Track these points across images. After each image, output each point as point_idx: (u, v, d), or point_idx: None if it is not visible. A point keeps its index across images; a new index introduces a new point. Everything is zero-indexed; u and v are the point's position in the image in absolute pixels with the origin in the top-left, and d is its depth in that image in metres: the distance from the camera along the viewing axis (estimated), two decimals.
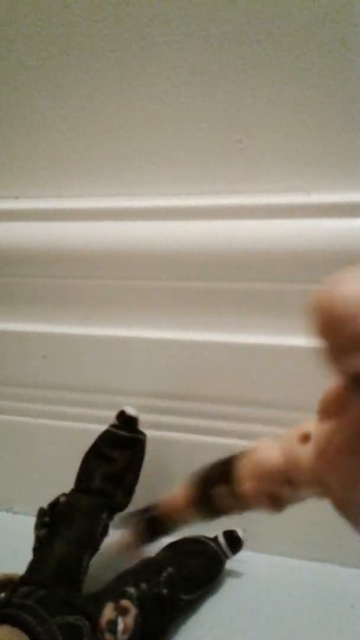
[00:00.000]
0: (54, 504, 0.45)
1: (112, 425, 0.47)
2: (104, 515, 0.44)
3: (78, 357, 0.52)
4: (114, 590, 0.39)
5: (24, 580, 0.41)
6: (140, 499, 0.54)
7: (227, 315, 0.48)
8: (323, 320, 0.17)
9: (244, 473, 0.28)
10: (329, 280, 0.18)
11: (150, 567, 0.42)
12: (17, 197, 0.53)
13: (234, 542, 0.46)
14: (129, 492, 0.46)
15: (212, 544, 0.46)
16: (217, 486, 0.29)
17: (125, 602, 0.37)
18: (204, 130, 0.46)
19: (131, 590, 0.39)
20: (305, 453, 0.25)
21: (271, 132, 0.45)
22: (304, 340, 0.46)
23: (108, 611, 0.37)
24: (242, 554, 0.48)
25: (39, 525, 0.44)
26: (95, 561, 0.44)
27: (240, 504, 0.28)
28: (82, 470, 0.47)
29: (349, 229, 0.43)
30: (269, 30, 0.43)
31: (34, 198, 0.52)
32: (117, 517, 0.46)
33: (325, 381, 0.47)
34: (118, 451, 0.46)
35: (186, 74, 0.45)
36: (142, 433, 0.47)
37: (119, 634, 0.36)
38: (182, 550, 0.45)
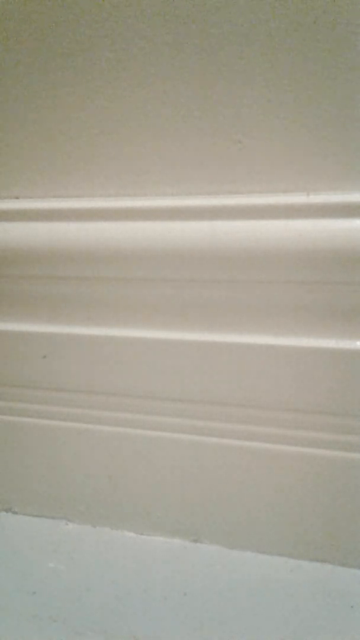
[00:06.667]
0: None
1: None
2: None
3: (78, 357, 0.52)
4: None
5: None
6: (145, 499, 0.54)
7: (227, 315, 0.48)
8: None
9: None
10: None
11: None
12: (17, 197, 0.53)
13: None
14: None
15: None
16: None
17: None
18: (204, 130, 0.46)
19: None
20: None
21: (271, 132, 0.45)
22: (304, 340, 0.46)
23: None
24: (243, 554, 0.48)
25: None
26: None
27: None
28: None
29: (349, 229, 0.43)
30: (269, 31, 0.43)
31: (34, 198, 0.52)
32: None
33: (327, 381, 0.47)
34: None
35: (186, 74, 0.45)
36: None
37: None
38: None
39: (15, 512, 0.57)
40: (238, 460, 0.49)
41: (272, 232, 0.44)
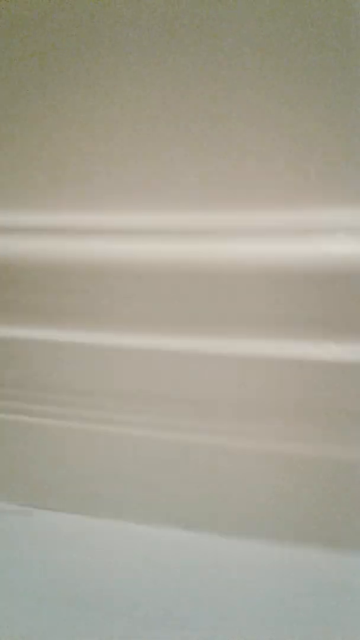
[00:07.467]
0: None
1: None
2: None
3: (81, 364, 0.52)
4: None
5: None
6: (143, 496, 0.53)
7: (227, 327, 0.48)
8: None
9: None
10: None
11: None
12: (13, 211, 0.53)
13: None
14: None
15: None
16: None
17: None
18: (202, 149, 0.47)
19: None
20: None
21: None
22: (305, 347, 0.46)
23: None
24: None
25: None
26: None
27: None
28: None
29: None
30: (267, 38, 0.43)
31: (30, 213, 0.52)
32: None
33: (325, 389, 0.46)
34: None
35: (184, 86, 0.46)
36: None
37: None
38: None
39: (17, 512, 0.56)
40: (238, 461, 0.50)
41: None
